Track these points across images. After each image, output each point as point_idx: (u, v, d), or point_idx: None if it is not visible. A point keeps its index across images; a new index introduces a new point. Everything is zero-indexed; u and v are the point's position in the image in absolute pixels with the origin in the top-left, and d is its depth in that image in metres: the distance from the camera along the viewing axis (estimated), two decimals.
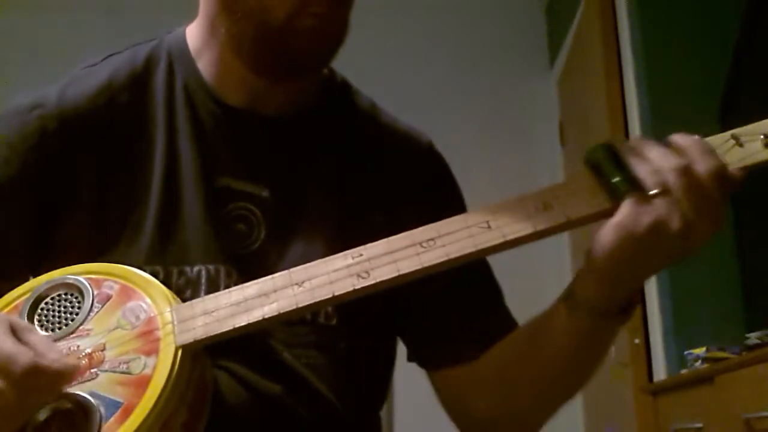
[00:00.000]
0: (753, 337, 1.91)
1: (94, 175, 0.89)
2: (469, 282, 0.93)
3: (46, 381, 0.68)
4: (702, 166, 0.71)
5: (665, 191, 0.70)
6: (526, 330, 0.89)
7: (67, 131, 0.89)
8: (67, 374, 0.69)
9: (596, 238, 0.73)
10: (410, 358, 0.98)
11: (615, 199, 0.72)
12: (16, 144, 0.89)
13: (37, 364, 0.67)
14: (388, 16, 3.65)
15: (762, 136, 0.73)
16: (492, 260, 0.90)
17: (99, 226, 0.88)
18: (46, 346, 0.70)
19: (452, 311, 0.94)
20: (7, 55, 3.68)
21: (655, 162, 0.72)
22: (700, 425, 1.98)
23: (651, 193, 0.71)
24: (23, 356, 0.67)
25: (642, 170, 0.72)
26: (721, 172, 0.71)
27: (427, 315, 0.94)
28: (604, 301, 0.76)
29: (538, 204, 0.74)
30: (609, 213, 0.73)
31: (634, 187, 0.71)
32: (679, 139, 0.74)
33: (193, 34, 0.96)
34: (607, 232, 0.72)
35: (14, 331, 0.70)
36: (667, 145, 0.73)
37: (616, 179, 0.72)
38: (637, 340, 2.66)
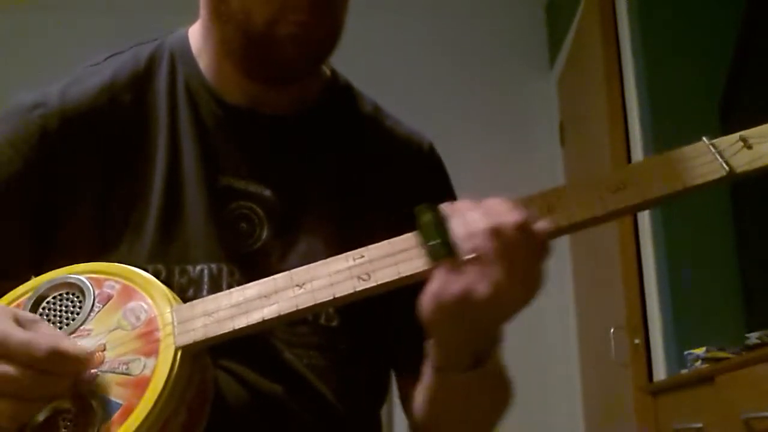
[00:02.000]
0: (753, 337, 1.91)
1: (96, 174, 0.89)
2: None
3: (67, 365, 0.68)
4: (507, 222, 0.70)
5: (477, 257, 0.69)
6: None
7: (68, 130, 0.89)
8: (86, 359, 0.70)
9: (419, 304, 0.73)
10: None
11: (434, 262, 0.71)
12: (18, 143, 0.89)
13: (59, 346, 0.67)
14: (388, 16, 3.65)
15: None
16: None
17: (101, 224, 0.88)
18: (57, 334, 0.70)
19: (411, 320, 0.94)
20: (7, 54, 3.68)
21: (470, 225, 0.71)
22: (700, 425, 1.98)
23: (462, 259, 0.70)
24: (43, 341, 0.67)
25: (459, 233, 0.71)
26: (524, 226, 0.70)
27: (405, 319, 0.94)
28: (446, 360, 0.77)
29: (542, 205, 0.74)
30: None
31: (449, 252, 0.71)
32: (490, 200, 0.72)
33: (195, 34, 0.97)
34: (423, 299, 0.72)
35: (22, 323, 0.70)
36: (482, 206, 0.72)
37: (433, 243, 0.72)
38: (637, 340, 2.66)
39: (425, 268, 0.72)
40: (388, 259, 0.73)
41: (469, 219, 0.71)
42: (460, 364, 0.77)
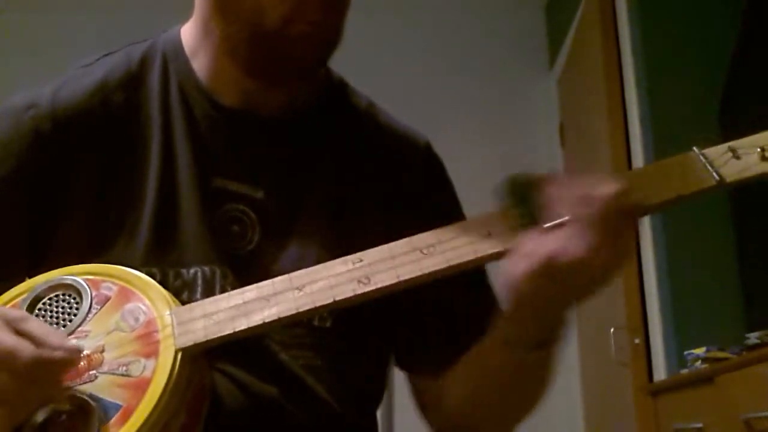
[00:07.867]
0: (753, 337, 1.91)
1: (89, 176, 0.89)
2: (461, 288, 0.92)
3: (50, 372, 0.68)
4: (599, 193, 0.70)
5: (562, 222, 0.70)
6: (473, 353, 0.90)
7: (61, 132, 0.89)
8: (71, 360, 0.69)
9: (503, 272, 0.73)
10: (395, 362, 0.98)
11: (516, 231, 0.72)
12: (10, 144, 0.89)
13: (40, 356, 0.66)
14: (388, 17, 3.65)
15: (759, 149, 0.73)
16: (492, 265, 0.90)
17: (95, 226, 0.88)
18: (45, 334, 0.69)
19: (438, 317, 0.94)
20: (6, 54, 3.68)
21: (556, 194, 0.72)
22: (700, 425, 1.97)
23: (547, 225, 0.71)
24: (25, 349, 0.66)
25: (543, 202, 0.72)
26: (618, 197, 0.70)
27: (414, 319, 0.94)
28: (520, 335, 0.77)
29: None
30: None
31: (534, 219, 0.71)
32: (583, 176, 0.74)
33: (188, 33, 0.96)
34: (511, 262, 0.72)
35: (10, 323, 0.69)
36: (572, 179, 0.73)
37: (517, 212, 0.72)
38: (637, 340, 2.66)
39: (509, 241, 0.72)
40: (387, 263, 0.73)
41: (554, 188, 0.72)
42: (529, 340, 0.76)
